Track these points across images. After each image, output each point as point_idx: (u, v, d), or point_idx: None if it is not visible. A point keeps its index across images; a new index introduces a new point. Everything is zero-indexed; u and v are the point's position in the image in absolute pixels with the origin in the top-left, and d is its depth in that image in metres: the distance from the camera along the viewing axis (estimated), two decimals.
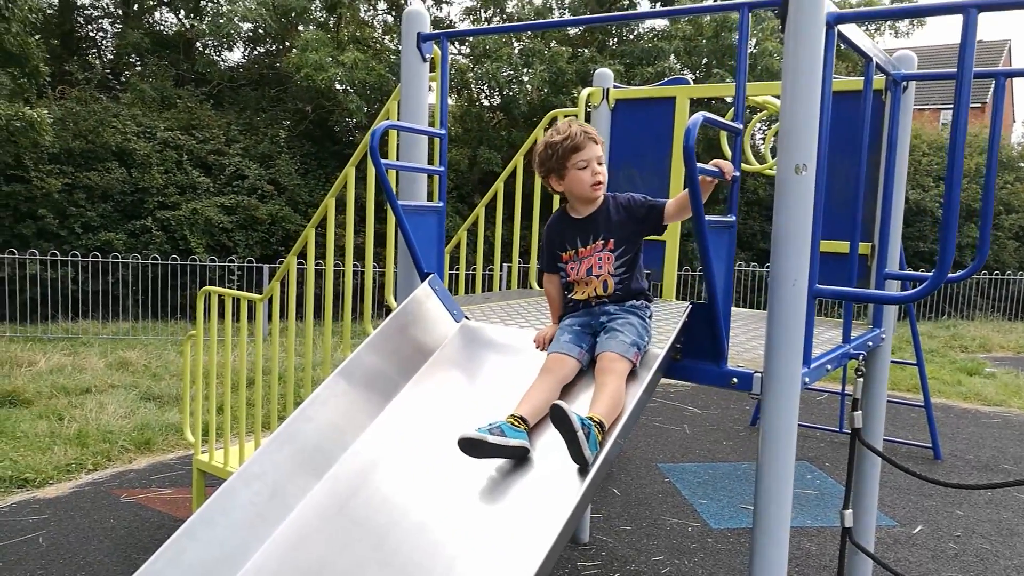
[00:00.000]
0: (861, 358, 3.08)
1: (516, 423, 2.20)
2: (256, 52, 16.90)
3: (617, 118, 4.19)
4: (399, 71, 3.27)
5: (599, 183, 2.54)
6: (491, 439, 2.11)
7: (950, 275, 2.24)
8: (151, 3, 17.17)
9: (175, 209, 12.44)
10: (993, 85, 3.33)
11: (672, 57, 14.46)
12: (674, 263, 4.11)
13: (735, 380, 2.41)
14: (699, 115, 2.07)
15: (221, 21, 13.65)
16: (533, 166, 2.66)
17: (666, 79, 4.42)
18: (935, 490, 5.40)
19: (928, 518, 4.94)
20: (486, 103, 15.83)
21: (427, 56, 3.18)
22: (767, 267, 2.41)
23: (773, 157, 4.49)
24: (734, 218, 2.41)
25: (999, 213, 16.06)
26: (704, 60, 14.94)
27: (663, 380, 2.53)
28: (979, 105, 26.89)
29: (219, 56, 16.66)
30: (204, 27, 14.01)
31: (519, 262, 4.64)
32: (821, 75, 2.23)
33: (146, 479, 5.26)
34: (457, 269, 4.53)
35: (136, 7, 16.90)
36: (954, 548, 4.50)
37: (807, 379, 2.46)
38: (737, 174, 2.39)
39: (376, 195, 3.51)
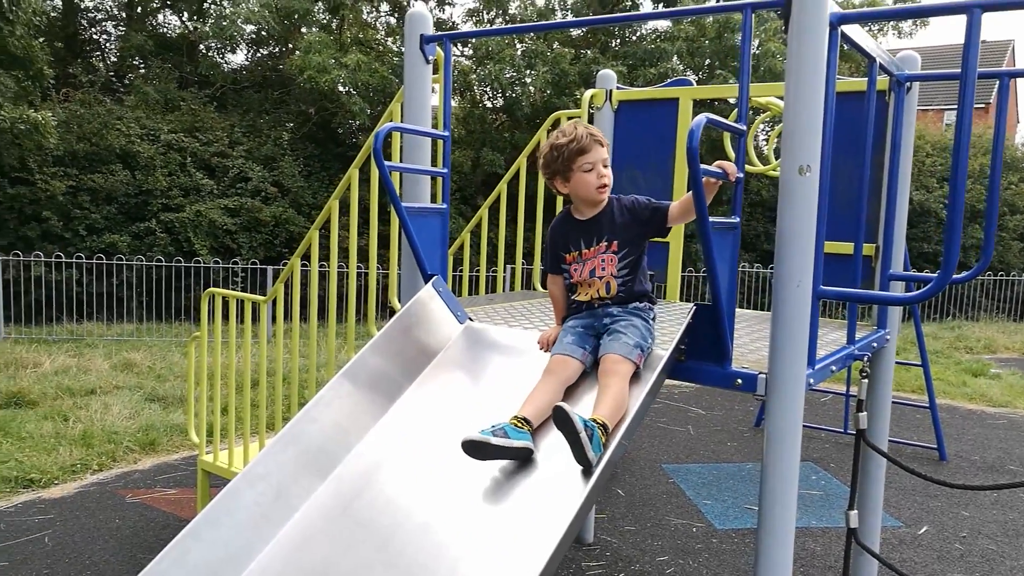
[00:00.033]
0: (866, 359, 3.08)
1: (520, 425, 2.20)
2: (259, 54, 16.92)
3: (620, 119, 4.20)
4: (402, 73, 3.27)
5: (604, 186, 2.54)
6: (494, 441, 2.11)
7: (955, 276, 2.24)
8: (154, 6, 17.20)
9: (179, 211, 12.46)
10: (997, 86, 3.32)
11: (675, 58, 14.45)
12: (678, 264, 4.11)
13: (739, 381, 2.41)
14: (703, 116, 2.08)
15: (224, 23, 13.66)
16: (538, 168, 2.66)
17: (669, 80, 4.42)
18: (940, 491, 5.39)
19: (933, 519, 4.93)
20: (489, 105, 15.83)
21: (430, 58, 3.19)
22: (771, 268, 2.41)
23: (776, 158, 4.48)
24: (738, 219, 2.41)
25: (1003, 214, 16.02)
26: (707, 61, 14.93)
27: (667, 381, 2.53)
28: (983, 106, 26.85)
29: (222, 58, 16.69)
30: (207, 29, 14.02)
31: (522, 263, 4.64)
32: (824, 76, 2.23)
33: (151, 479, 5.27)
34: (460, 271, 4.53)
35: (139, 10, 16.93)
36: (960, 549, 4.50)
37: (811, 380, 2.46)
38: (741, 175, 2.39)
39: (380, 197, 3.51)
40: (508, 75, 14.00)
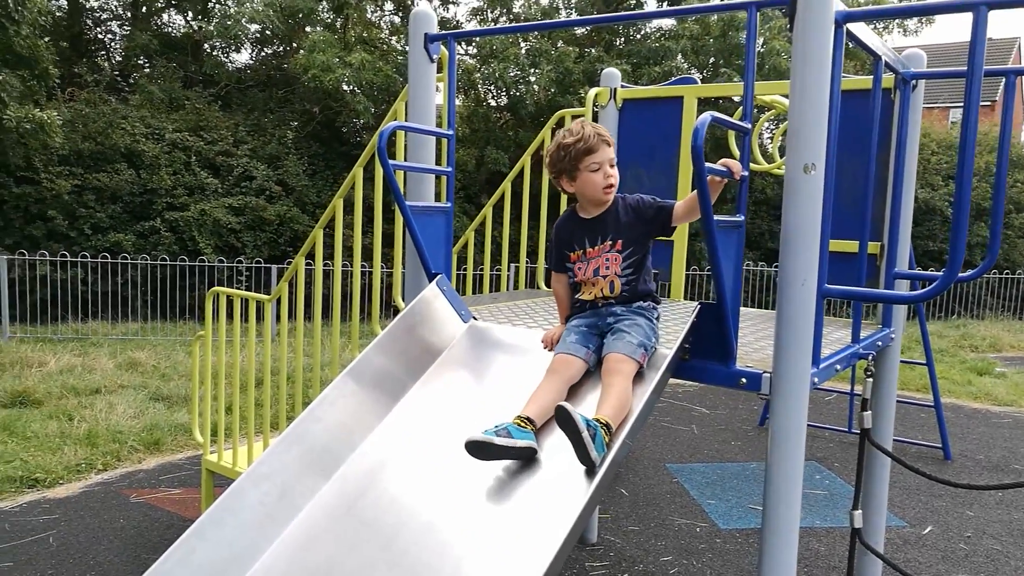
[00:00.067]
0: (870, 358, 3.07)
1: (523, 424, 2.20)
2: (263, 53, 16.95)
3: (624, 118, 4.19)
4: (406, 72, 3.27)
5: (611, 186, 2.53)
6: (498, 441, 2.11)
7: (960, 274, 2.23)
8: (159, 5, 17.23)
9: (183, 210, 12.48)
10: (1003, 83, 3.31)
11: (679, 56, 14.43)
12: (682, 263, 4.10)
13: (744, 380, 2.41)
14: (707, 115, 2.07)
15: (229, 23, 13.68)
16: (544, 166, 2.65)
17: (673, 79, 4.41)
18: (945, 490, 5.38)
19: (938, 519, 4.92)
20: (493, 103, 15.82)
21: (434, 57, 3.18)
22: (775, 267, 2.41)
23: (781, 156, 4.47)
24: (743, 218, 2.40)
25: (1009, 212, 15.98)
26: (711, 59, 14.90)
27: (671, 380, 2.52)
28: (988, 103, 26.74)
29: (227, 58, 16.72)
30: (212, 29, 14.05)
31: (527, 262, 4.64)
32: (830, 74, 2.22)
33: (155, 479, 5.28)
34: (465, 269, 4.54)
35: (144, 9, 16.96)
36: (964, 549, 4.48)
37: (816, 379, 2.45)
38: (745, 174, 2.39)
39: (384, 196, 3.51)
40: (512, 74, 13.99)
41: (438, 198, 3.30)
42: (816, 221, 2.27)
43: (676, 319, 3.27)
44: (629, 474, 5.59)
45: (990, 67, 2.64)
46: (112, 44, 17.54)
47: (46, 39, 12.45)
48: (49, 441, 5.76)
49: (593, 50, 14.77)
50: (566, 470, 2.11)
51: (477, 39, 14.64)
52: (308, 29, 14.87)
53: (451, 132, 3.19)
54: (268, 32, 15.31)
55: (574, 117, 4.44)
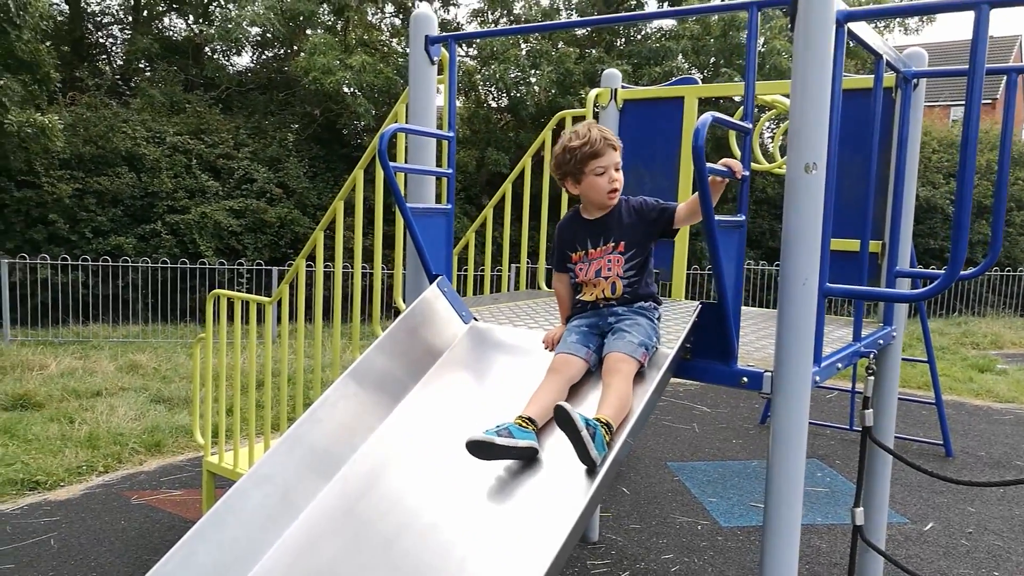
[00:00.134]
0: (872, 356, 3.07)
1: (524, 424, 2.20)
2: (264, 56, 16.96)
3: (625, 118, 4.19)
4: (407, 74, 3.27)
5: (615, 190, 2.54)
6: (499, 441, 2.11)
7: (962, 272, 2.23)
8: (160, 9, 17.24)
9: (184, 213, 12.49)
10: (1004, 81, 3.31)
11: (680, 57, 14.42)
12: (683, 262, 4.10)
13: (745, 379, 2.41)
14: (708, 115, 2.07)
15: (229, 26, 13.69)
16: (550, 167, 2.66)
17: (674, 79, 4.42)
18: (946, 487, 5.38)
19: (940, 515, 4.91)
20: (494, 104, 15.83)
21: (435, 59, 3.18)
22: (777, 265, 2.40)
23: (782, 156, 4.47)
24: (744, 217, 2.40)
25: (1011, 209, 15.97)
26: (712, 59, 14.89)
27: (672, 378, 2.52)
28: (989, 102, 26.72)
29: (227, 61, 16.72)
30: (213, 32, 14.06)
31: (527, 263, 4.64)
32: (831, 73, 2.22)
33: (156, 481, 5.28)
34: (465, 270, 4.54)
35: (145, 13, 16.97)
36: (966, 545, 4.48)
37: (818, 378, 2.45)
38: (747, 173, 2.39)
39: (385, 197, 3.51)
40: (513, 75, 13.99)
41: (439, 200, 3.30)
42: (817, 220, 2.27)
43: (677, 319, 3.27)
44: (630, 472, 5.59)
45: (991, 65, 2.64)
46: (113, 48, 17.56)
47: (47, 43, 12.46)
48: (50, 443, 5.77)
49: (594, 51, 14.77)
50: (567, 470, 2.11)
51: (478, 40, 14.65)
52: (309, 32, 14.88)
53: (452, 134, 3.20)
54: (269, 35, 15.32)
55: (575, 118, 4.45)
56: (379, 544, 2.07)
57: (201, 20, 16.15)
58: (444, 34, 3.15)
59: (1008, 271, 14.84)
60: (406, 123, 3.31)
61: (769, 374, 2.35)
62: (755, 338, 3.04)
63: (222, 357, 4.43)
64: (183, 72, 15.29)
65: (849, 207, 3.10)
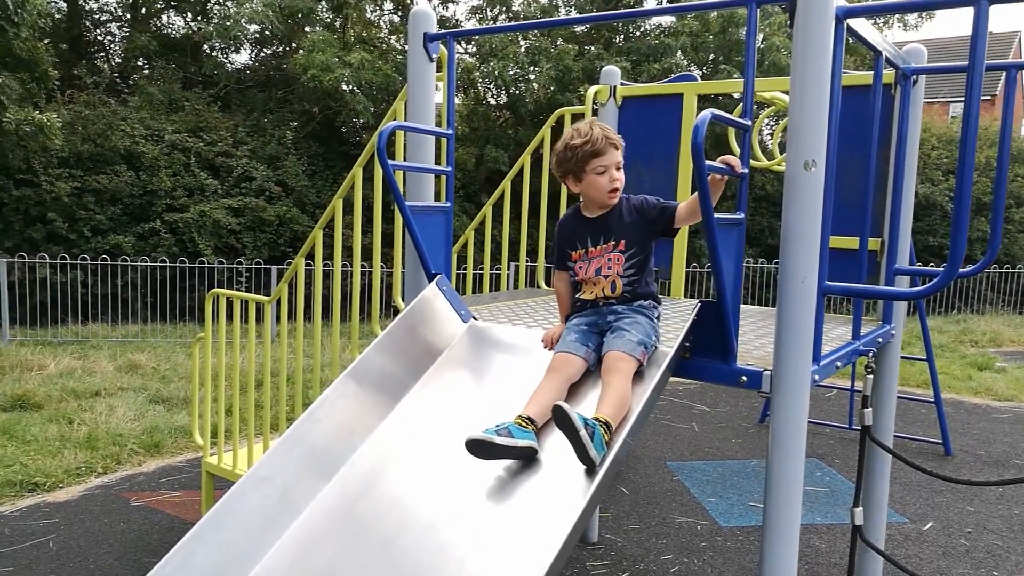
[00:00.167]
0: (871, 354, 3.06)
1: (524, 424, 2.19)
2: (263, 54, 16.93)
3: (624, 115, 4.18)
4: (406, 71, 3.26)
5: (616, 190, 2.53)
6: (498, 440, 2.10)
7: (961, 270, 2.22)
8: (158, 6, 17.21)
9: (183, 211, 12.47)
10: (1004, 78, 3.30)
11: (679, 53, 14.40)
12: (682, 260, 4.10)
13: (744, 378, 2.40)
14: (707, 112, 2.06)
15: (228, 23, 13.66)
16: (551, 164, 2.65)
17: (673, 76, 4.41)
18: (946, 486, 5.37)
19: (939, 514, 4.91)
20: (492, 102, 15.81)
21: (433, 56, 3.18)
22: (776, 263, 2.40)
23: (781, 153, 4.47)
24: (743, 215, 2.39)
25: (1009, 206, 15.96)
26: (711, 56, 14.87)
27: (672, 378, 2.52)
28: (988, 98, 26.75)
29: (226, 58, 16.70)
30: (211, 29, 14.03)
31: (527, 261, 4.63)
32: (830, 70, 2.21)
33: (155, 482, 5.28)
34: (464, 268, 4.53)
35: (143, 11, 16.94)
36: (965, 544, 4.48)
37: (817, 377, 2.45)
38: (746, 171, 2.38)
39: (383, 195, 3.51)
40: (512, 72, 13.97)
41: (438, 198, 3.29)
42: (816, 218, 2.26)
43: (676, 317, 3.27)
44: (630, 472, 5.58)
45: (991, 62, 2.64)
46: (111, 46, 17.54)
47: (46, 41, 12.44)
48: (49, 444, 5.76)
49: (593, 48, 14.75)
50: (567, 470, 2.10)
51: (476, 37, 14.63)
52: (307, 29, 14.86)
53: (451, 131, 3.19)
54: (267, 32, 15.30)
55: (574, 115, 4.44)
56: (378, 544, 2.07)
57: (199, 17, 16.12)
58: (443, 31, 3.14)
59: (1007, 268, 14.84)
60: (405, 121, 3.30)
61: (768, 373, 2.34)
62: (754, 336, 3.03)
63: (221, 357, 4.43)
64: (181, 70, 15.27)
65: (848, 204, 3.09)
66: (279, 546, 2.13)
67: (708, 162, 2.11)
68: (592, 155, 2.48)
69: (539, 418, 2.24)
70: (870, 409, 2.99)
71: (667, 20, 15.08)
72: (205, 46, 16.10)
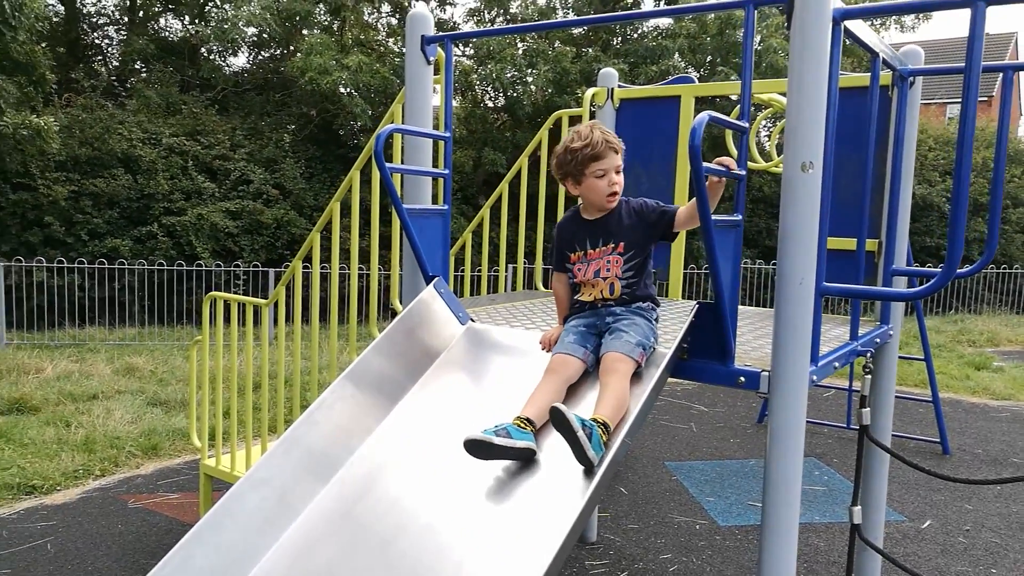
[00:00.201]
0: (869, 355, 3.07)
1: (522, 425, 2.19)
2: (260, 57, 16.93)
3: (622, 118, 4.18)
4: (403, 74, 3.27)
5: (615, 193, 2.53)
6: (497, 441, 2.11)
7: (958, 270, 2.23)
8: (156, 10, 17.21)
9: (181, 215, 12.46)
10: (1000, 79, 3.30)
11: (676, 55, 14.41)
12: (680, 261, 4.10)
13: (742, 379, 2.40)
14: (705, 114, 2.07)
15: (225, 26, 13.66)
16: (551, 166, 2.66)
17: (671, 78, 4.41)
18: (944, 485, 5.38)
19: (937, 513, 4.92)
20: (490, 104, 15.82)
21: (431, 59, 3.18)
22: (773, 264, 2.40)
23: (779, 154, 4.47)
24: (740, 217, 2.40)
25: (1006, 207, 15.99)
26: (709, 58, 14.89)
27: (670, 378, 2.52)
28: (985, 99, 26.79)
29: (224, 61, 16.70)
30: (209, 32, 14.03)
31: (524, 263, 4.64)
32: (827, 72, 2.22)
33: (153, 484, 5.27)
34: (462, 271, 4.53)
35: (141, 14, 16.94)
36: (963, 542, 4.48)
37: (815, 377, 2.45)
38: (743, 173, 2.38)
39: (381, 198, 3.51)
40: (509, 74, 13.98)
41: (435, 200, 3.29)
42: (814, 219, 2.26)
43: (674, 318, 3.27)
44: (628, 472, 5.59)
45: (988, 63, 2.64)
46: (109, 49, 17.54)
47: (43, 45, 12.45)
48: (46, 447, 5.75)
49: (590, 50, 14.76)
50: (565, 470, 2.10)
51: (474, 40, 14.64)
52: (305, 32, 14.86)
53: (448, 134, 3.19)
54: (265, 35, 15.30)
55: (571, 118, 4.44)
56: (377, 546, 2.07)
57: (197, 21, 16.12)
58: (440, 34, 3.14)
59: (1004, 268, 14.86)
60: (402, 123, 3.30)
61: (766, 373, 2.35)
62: (752, 337, 3.03)
63: (219, 359, 4.42)
64: (179, 73, 15.27)
65: (846, 205, 3.10)
66: (277, 548, 2.13)
67: (706, 164, 2.11)
68: (592, 159, 2.48)
69: (538, 419, 2.24)
70: (868, 409, 2.99)
71: (665, 22, 15.10)
72: (203, 49, 16.10)
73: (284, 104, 15.36)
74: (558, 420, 2.06)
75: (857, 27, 2.49)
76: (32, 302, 10.92)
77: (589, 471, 2.06)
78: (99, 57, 17.28)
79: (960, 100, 2.02)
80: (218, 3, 15.82)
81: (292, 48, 15.47)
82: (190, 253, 12.24)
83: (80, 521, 4.62)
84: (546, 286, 4.38)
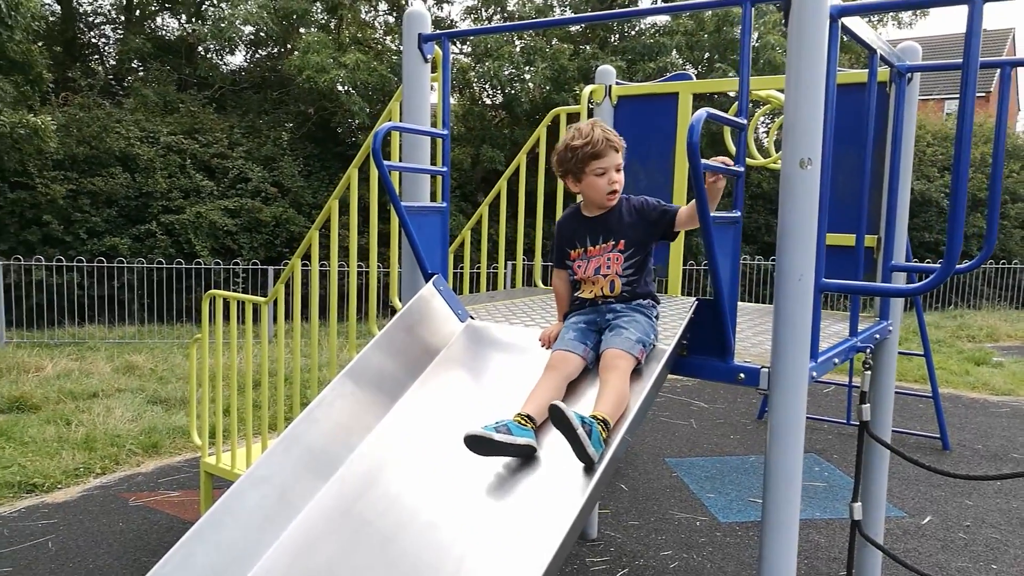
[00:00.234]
0: (868, 351, 3.07)
1: (523, 422, 2.19)
2: (258, 55, 16.91)
3: (620, 115, 4.18)
4: (401, 72, 3.26)
5: (615, 192, 2.54)
6: (497, 437, 2.11)
7: (957, 266, 2.23)
8: (152, 8, 17.18)
9: (179, 213, 12.46)
10: (998, 75, 3.31)
11: (674, 52, 14.41)
12: (679, 258, 4.10)
13: (742, 376, 2.41)
14: (703, 111, 2.07)
15: (222, 25, 13.63)
16: (552, 162, 2.66)
17: (669, 75, 4.41)
18: (944, 480, 5.39)
19: (937, 508, 4.93)
20: (488, 102, 15.81)
21: (428, 56, 3.18)
22: (772, 260, 2.40)
23: (777, 151, 4.48)
24: (739, 214, 2.40)
25: (1005, 202, 15.99)
26: (706, 55, 14.88)
27: (670, 375, 2.52)
28: (983, 95, 26.78)
29: (221, 60, 16.68)
30: (205, 31, 14.01)
31: (523, 260, 4.64)
32: (825, 68, 2.22)
33: (154, 482, 5.27)
34: (461, 268, 4.53)
35: (138, 13, 16.91)
36: (964, 538, 4.49)
37: (814, 373, 2.45)
38: (741, 170, 2.39)
39: (379, 196, 3.51)
40: (507, 72, 13.97)
41: (434, 198, 3.29)
42: (813, 215, 2.26)
43: (674, 315, 3.27)
44: (629, 469, 5.59)
45: (985, 59, 2.65)
46: (106, 48, 17.50)
47: (40, 44, 12.43)
48: (47, 446, 5.75)
49: (588, 47, 14.76)
50: (565, 467, 2.11)
51: (472, 37, 14.63)
52: (302, 30, 14.84)
53: (446, 132, 3.19)
54: (262, 34, 15.28)
55: (569, 115, 4.44)
56: (377, 543, 2.07)
57: (194, 19, 16.10)
58: (437, 32, 3.14)
59: (1003, 264, 14.87)
60: (400, 121, 3.30)
61: (766, 370, 2.35)
62: (752, 334, 3.04)
63: (218, 357, 4.42)
64: (176, 72, 15.24)
65: (844, 202, 3.10)
66: (278, 546, 2.14)
67: (704, 161, 2.11)
68: (592, 157, 2.49)
69: (538, 416, 2.24)
70: (868, 405, 3.00)
71: (662, 19, 15.09)
72: (200, 48, 16.08)
73: (282, 102, 15.34)
74: (557, 418, 2.06)
75: (854, 23, 2.49)
76: (31, 301, 10.91)
77: (589, 468, 2.06)
78: (96, 56, 17.25)
79: (958, 96, 2.02)
80: (215, 2, 15.80)
81: (289, 46, 15.45)
82: (189, 251, 12.24)
83: (81, 519, 4.62)
84: (545, 283, 4.38)
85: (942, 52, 24.38)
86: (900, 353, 4.65)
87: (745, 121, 2.43)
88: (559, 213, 2.79)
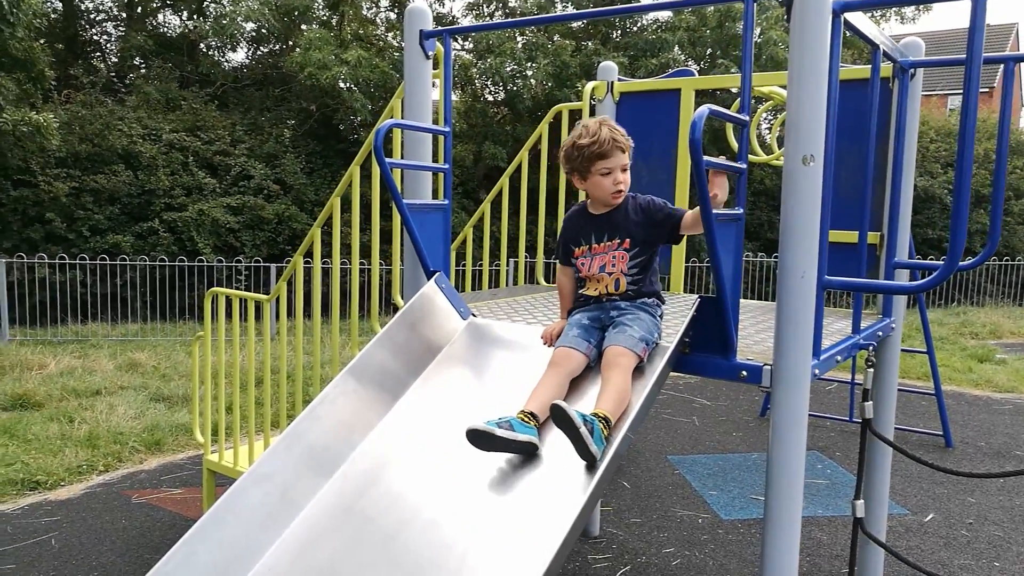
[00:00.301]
0: (871, 348, 3.06)
1: (526, 419, 2.19)
2: (260, 52, 16.90)
3: (622, 111, 4.18)
4: (402, 68, 3.26)
5: (620, 191, 2.53)
6: (499, 433, 2.11)
7: (960, 263, 2.22)
8: (154, 5, 17.18)
9: (182, 210, 12.46)
10: (1002, 70, 3.30)
11: (676, 48, 14.38)
12: (682, 255, 4.10)
13: (745, 373, 2.40)
14: (705, 107, 2.06)
15: (224, 22, 13.63)
16: (559, 158, 2.66)
17: (671, 71, 4.40)
18: (947, 478, 5.38)
19: (940, 506, 4.92)
20: (490, 98, 15.79)
21: (430, 53, 3.17)
22: (775, 257, 2.40)
23: (779, 147, 4.47)
24: (741, 211, 2.39)
25: (1008, 199, 15.96)
26: (709, 51, 14.86)
27: (672, 372, 2.52)
28: (986, 90, 26.71)
29: (223, 57, 16.67)
30: (207, 28, 14.00)
31: (526, 257, 4.63)
32: (828, 64, 2.21)
33: (157, 480, 5.28)
34: (463, 265, 4.52)
35: (139, 10, 16.91)
36: (966, 536, 4.49)
37: (817, 371, 2.45)
38: (744, 166, 2.38)
39: (381, 193, 3.50)
40: (509, 68, 13.95)
41: (436, 195, 3.29)
42: (815, 212, 2.26)
43: (676, 312, 3.27)
44: (631, 466, 5.59)
45: (989, 54, 2.63)
46: (107, 45, 17.51)
47: (41, 41, 12.42)
48: (50, 443, 5.76)
49: (590, 43, 14.73)
50: (568, 465, 2.10)
51: (473, 34, 14.62)
52: (304, 27, 14.84)
53: (448, 129, 3.18)
54: (264, 31, 15.27)
55: (571, 111, 4.43)
56: (379, 541, 2.07)
57: (195, 16, 16.09)
58: (439, 28, 3.13)
59: (1007, 260, 14.84)
60: (402, 118, 3.30)
61: (768, 367, 2.35)
62: (754, 331, 3.03)
63: (221, 355, 4.43)
64: (178, 69, 15.24)
65: (847, 198, 3.10)
66: (280, 543, 2.14)
67: (706, 158, 2.10)
68: (597, 156, 2.48)
69: (541, 413, 2.24)
70: (871, 402, 2.99)
71: (664, 15, 15.06)
72: (201, 45, 16.08)
73: (284, 99, 15.34)
74: (559, 417, 2.06)
75: (857, 19, 2.49)
76: (34, 298, 10.93)
77: (591, 465, 2.06)
78: (98, 53, 17.26)
79: (961, 92, 2.01)
80: None
81: (291, 43, 15.44)
82: (191, 249, 12.25)
83: (84, 516, 4.63)
84: (548, 280, 4.38)
85: (945, 48, 24.31)
86: (903, 350, 4.65)
87: (747, 117, 2.42)
88: (562, 210, 2.78)
